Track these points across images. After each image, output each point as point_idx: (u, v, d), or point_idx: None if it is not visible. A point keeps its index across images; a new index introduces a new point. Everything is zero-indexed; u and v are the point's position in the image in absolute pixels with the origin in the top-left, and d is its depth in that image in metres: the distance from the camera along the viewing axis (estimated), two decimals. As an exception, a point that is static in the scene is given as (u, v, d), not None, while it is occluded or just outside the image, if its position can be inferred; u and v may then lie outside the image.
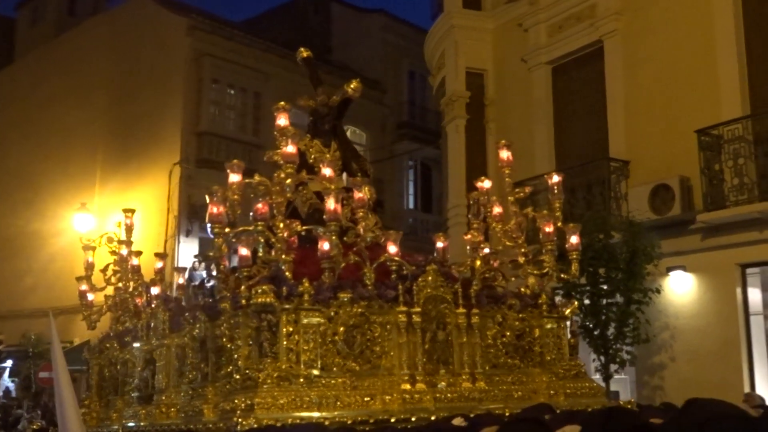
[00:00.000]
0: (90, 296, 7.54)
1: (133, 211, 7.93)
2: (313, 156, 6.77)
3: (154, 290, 7.18)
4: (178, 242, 17.31)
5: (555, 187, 6.71)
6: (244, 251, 5.22)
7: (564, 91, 14.20)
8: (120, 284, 7.56)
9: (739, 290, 11.09)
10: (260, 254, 5.40)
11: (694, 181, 11.49)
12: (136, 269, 7.56)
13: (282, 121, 5.90)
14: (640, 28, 12.92)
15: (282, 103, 5.98)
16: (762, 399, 9.56)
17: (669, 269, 11.55)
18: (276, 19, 25.17)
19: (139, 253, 7.68)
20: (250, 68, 19.35)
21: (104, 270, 7.64)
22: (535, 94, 14.43)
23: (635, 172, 12.43)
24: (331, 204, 5.34)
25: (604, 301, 10.74)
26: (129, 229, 7.74)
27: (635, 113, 12.79)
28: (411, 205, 22.65)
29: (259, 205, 5.28)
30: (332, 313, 5.14)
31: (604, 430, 1.83)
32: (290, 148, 5.62)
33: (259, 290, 4.91)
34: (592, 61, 13.57)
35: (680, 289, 11.61)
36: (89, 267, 7.60)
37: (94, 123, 19.93)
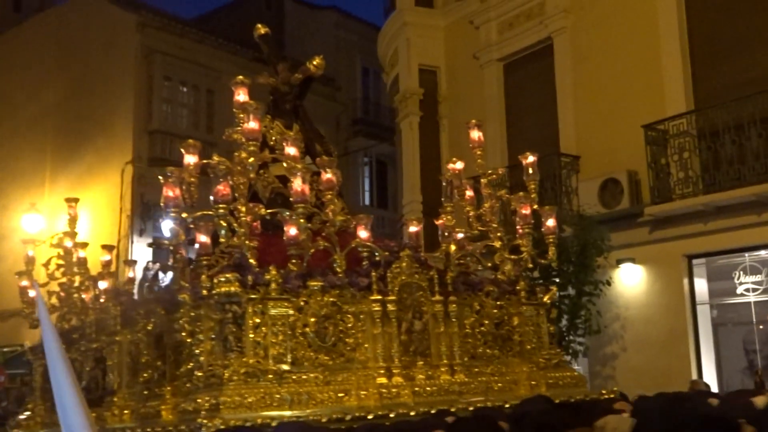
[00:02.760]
0: (32, 293, 7.00)
1: (76, 200, 7.36)
2: (274, 138, 6.40)
3: (102, 284, 6.76)
4: (132, 242, 17.00)
5: (530, 168, 6.31)
6: (203, 238, 4.85)
7: (515, 88, 14.30)
8: (64, 279, 7.05)
9: (685, 281, 11.33)
10: (222, 240, 4.94)
11: (641, 175, 11.70)
12: (82, 262, 7.07)
13: (241, 96, 5.52)
14: (588, 25, 13.11)
15: (240, 77, 5.58)
16: (707, 385, 9.80)
17: (619, 261, 11.74)
18: (228, 16, 24.85)
19: (84, 245, 7.21)
20: (202, 65, 19.11)
21: (46, 264, 7.12)
22: (487, 90, 14.52)
23: (585, 166, 12.62)
24: (297, 185, 4.94)
25: (557, 294, 10.86)
26: (73, 220, 7.27)
27: (584, 109, 12.97)
28: (367, 202, 22.61)
29: (220, 186, 4.84)
30: (302, 303, 4.76)
31: (665, 419, 1.75)
32: (252, 125, 5.19)
33: (223, 279, 4.52)
34: (542, 57, 13.70)
35: (630, 280, 11.83)
36: (30, 261, 7.09)
37: (43, 121, 19.42)
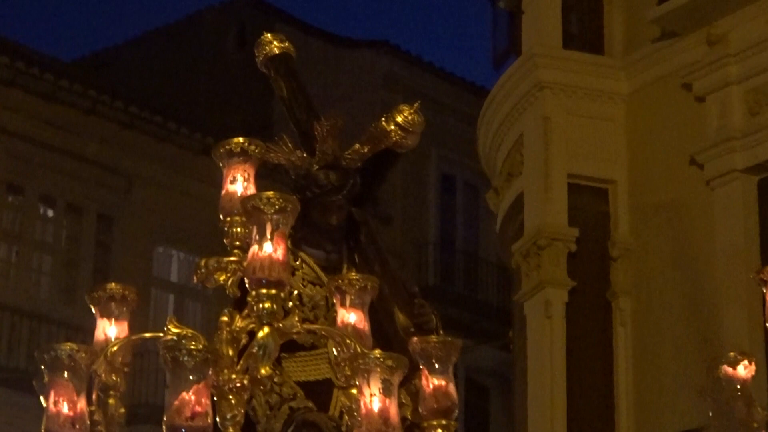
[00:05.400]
0: None
1: None
2: (296, 291, 6.48)
3: None
4: None
5: None
6: None
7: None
8: None
9: None
10: None
11: None
12: None
13: (238, 184, 5.69)
14: None
15: (239, 140, 5.76)
16: None
17: None
18: (146, 57, 25.70)
19: None
20: (92, 162, 19.88)
21: None
22: (724, 233, 14.56)
23: None
24: (373, 401, 4.81)
25: None
26: None
27: None
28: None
29: (187, 395, 4.64)
30: None
31: None
32: (268, 249, 5.18)
33: None
34: None
35: None
36: None
37: None
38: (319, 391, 6.16)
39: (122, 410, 5.38)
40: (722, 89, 14.85)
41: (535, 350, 15.53)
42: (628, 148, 15.68)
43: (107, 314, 5.54)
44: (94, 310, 5.58)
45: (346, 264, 6.90)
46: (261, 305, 5.14)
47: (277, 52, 7.37)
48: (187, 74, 25.16)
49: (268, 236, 5.20)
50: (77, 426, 4.78)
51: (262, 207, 5.21)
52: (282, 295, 5.25)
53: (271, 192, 5.24)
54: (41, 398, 4.89)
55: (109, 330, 5.49)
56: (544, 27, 16.11)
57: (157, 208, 19.86)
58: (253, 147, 5.77)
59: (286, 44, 7.44)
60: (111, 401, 5.33)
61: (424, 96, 23.80)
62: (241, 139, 5.75)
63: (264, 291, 5.18)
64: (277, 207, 5.19)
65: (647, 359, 14.93)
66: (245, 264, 5.31)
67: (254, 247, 5.20)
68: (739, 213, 14.60)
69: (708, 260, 14.64)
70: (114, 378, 5.33)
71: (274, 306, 5.15)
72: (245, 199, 5.37)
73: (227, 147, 5.75)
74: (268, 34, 7.51)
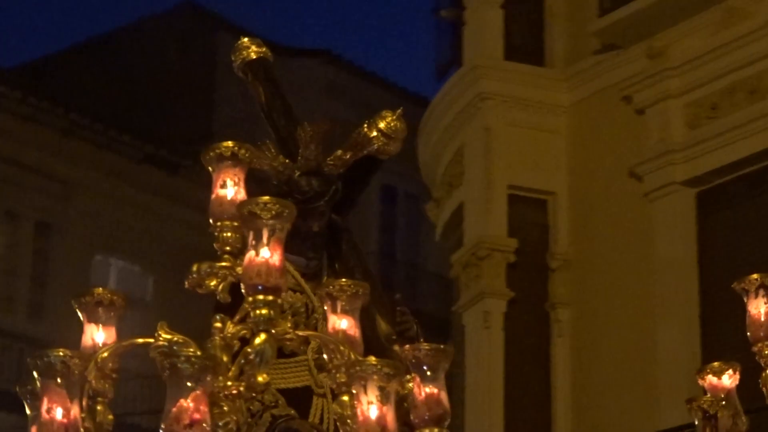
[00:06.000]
0: None
1: None
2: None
3: None
4: None
5: None
6: None
7: (720, 243, 14.48)
8: None
9: None
10: None
11: None
12: None
13: (229, 189, 5.53)
14: None
15: (228, 144, 5.53)
16: None
17: None
18: (93, 62, 25.58)
19: None
20: (31, 169, 19.78)
21: None
22: (663, 246, 14.65)
23: None
24: (371, 409, 4.80)
25: None
26: None
27: None
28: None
29: (186, 402, 4.62)
30: None
31: None
32: (264, 253, 5.09)
33: None
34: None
35: None
36: None
37: None
38: (299, 399, 6.12)
39: (111, 417, 5.29)
40: (662, 102, 14.88)
41: (474, 361, 15.54)
42: (568, 160, 15.73)
43: (94, 320, 5.43)
44: (81, 316, 5.47)
45: (326, 271, 6.89)
46: (258, 312, 5.10)
47: (254, 57, 7.35)
48: (129, 82, 25.04)
49: (265, 242, 5.16)
50: None
51: (258, 212, 5.15)
52: (279, 301, 5.19)
53: (267, 197, 5.24)
54: (25, 405, 4.99)
55: (97, 335, 5.39)
56: (486, 38, 16.06)
57: (96, 216, 19.80)
58: (243, 151, 5.62)
59: (264, 49, 7.39)
60: (99, 408, 5.22)
61: (366, 105, 23.73)
62: (231, 143, 5.63)
63: (261, 297, 5.14)
64: (273, 212, 5.13)
65: (585, 370, 14.97)
66: (240, 270, 5.26)
67: (251, 253, 5.15)
68: (677, 225, 14.65)
69: (646, 272, 14.68)
70: (103, 384, 5.24)
71: (271, 312, 5.10)
72: (241, 204, 5.31)
73: (217, 151, 5.60)
74: (245, 39, 7.44)
